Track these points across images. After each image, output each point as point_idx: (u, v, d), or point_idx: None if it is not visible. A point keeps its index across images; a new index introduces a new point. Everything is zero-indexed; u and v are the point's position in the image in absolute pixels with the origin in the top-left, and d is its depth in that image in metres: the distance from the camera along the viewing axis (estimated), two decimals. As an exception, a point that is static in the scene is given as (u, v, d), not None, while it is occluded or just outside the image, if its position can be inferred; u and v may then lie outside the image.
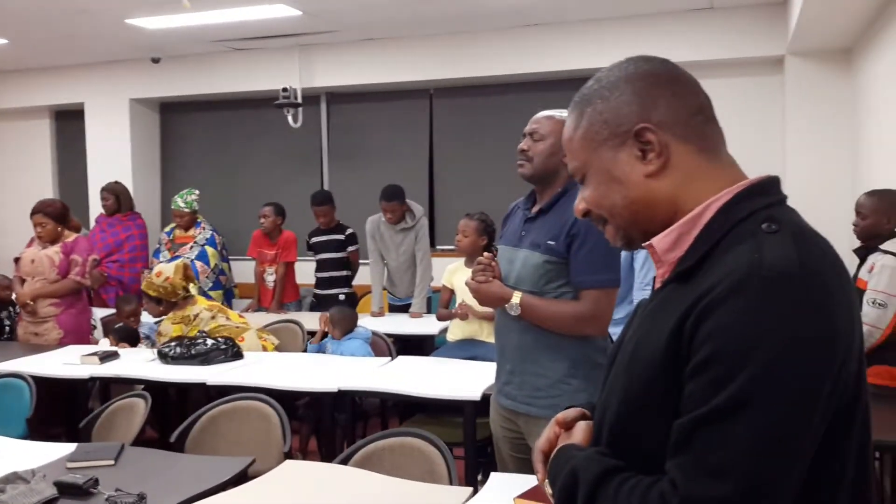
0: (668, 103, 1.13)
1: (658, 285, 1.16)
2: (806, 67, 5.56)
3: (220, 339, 4.15)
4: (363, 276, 5.86)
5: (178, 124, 7.80)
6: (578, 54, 6.01)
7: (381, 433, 2.78)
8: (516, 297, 2.46)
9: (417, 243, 5.42)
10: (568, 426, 1.28)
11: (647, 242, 1.15)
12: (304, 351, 4.67)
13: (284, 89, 6.60)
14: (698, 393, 0.98)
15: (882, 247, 3.43)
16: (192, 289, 4.52)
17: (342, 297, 5.70)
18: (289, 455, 2.93)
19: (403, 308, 5.57)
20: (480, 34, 6.28)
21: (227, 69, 7.05)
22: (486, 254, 2.65)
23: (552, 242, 2.46)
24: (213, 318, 4.39)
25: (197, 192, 6.33)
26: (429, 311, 5.41)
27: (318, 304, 5.74)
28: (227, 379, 3.77)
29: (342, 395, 3.62)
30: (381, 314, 5.47)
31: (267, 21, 5.79)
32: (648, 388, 1.06)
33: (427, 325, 5.07)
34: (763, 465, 0.94)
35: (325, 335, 4.43)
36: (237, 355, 4.13)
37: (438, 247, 6.67)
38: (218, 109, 7.55)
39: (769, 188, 1.10)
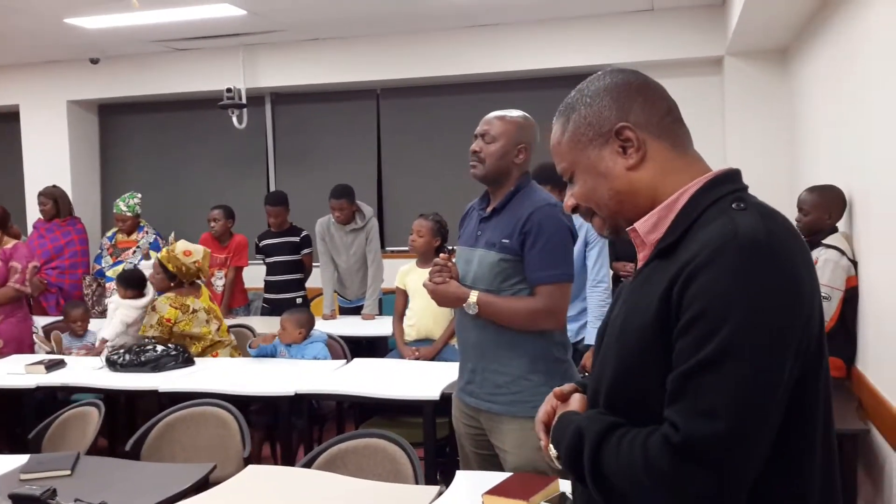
0: (642, 107, 1.30)
1: (641, 265, 1.31)
2: (744, 67, 5.72)
3: (170, 346, 4.08)
4: (312, 279, 5.81)
5: (118, 126, 7.61)
6: (522, 55, 6.09)
7: (344, 435, 2.77)
8: (473, 297, 2.51)
9: (368, 244, 5.39)
10: (564, 398, 1.42)
11: (631, 227, 1.30)
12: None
13: (228, 90, 6.50)
14: (688, 349, 1.12)
15: (824, 241, 3.54)
16: None
17: (299, 300, 5.61)
18: (248, 461, 2.90)
19: (353, 310, 5.53)
20: (426, 35, 6.29)
21: (168, 70, 6.90)
22: (442, 255, 2.67)
23: (506, 241, 2.50)
24: (207, 321, 4.32)
25: (139, 195, 6.19)
26: (381, 313, 5.39)
27: (272, 310, 5.57)
28: (179, 385, 3.71)
29: (299, 398, 3.59)
30: (332, 317, 5.43)
31: (211, 21, 5.68)
32: (641, 352, 1.20)
33: (380, 327, 5.05)
34: (747, 405, 1.09)
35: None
36: (188, 361, 4.07)
37: (388, 248, 6.65)
38: (160, 111, 7.39)
39: (733, 178, 1.29)
